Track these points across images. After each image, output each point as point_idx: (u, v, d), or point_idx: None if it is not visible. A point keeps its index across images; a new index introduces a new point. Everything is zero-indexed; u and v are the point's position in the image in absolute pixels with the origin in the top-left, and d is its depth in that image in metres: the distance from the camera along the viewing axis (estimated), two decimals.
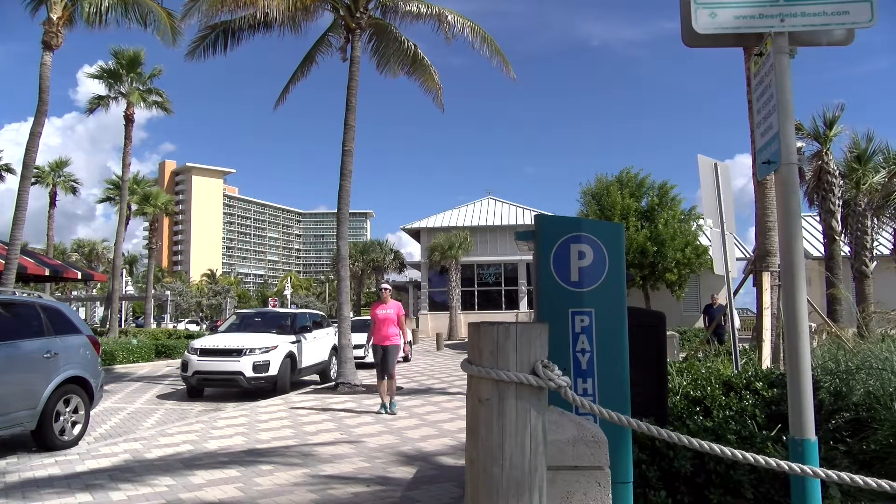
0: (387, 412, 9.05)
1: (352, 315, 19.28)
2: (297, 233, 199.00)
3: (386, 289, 9.87)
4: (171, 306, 55.75)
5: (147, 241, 50.17)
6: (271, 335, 12.47)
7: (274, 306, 44.13)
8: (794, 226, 2.70)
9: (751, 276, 8.66)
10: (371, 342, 9.59)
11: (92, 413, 7.96)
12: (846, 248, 19.60)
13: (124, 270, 48.74)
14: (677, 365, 6.32)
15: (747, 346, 9.14)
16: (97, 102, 27.99)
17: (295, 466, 5.94)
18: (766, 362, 7.57)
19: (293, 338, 12.71)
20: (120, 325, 33.55)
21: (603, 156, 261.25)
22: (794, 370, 2.62)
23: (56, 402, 7.00)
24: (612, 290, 2.97)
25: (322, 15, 13.65)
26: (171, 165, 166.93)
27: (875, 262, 18.61)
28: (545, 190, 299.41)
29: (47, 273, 15.33)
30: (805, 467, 2.04)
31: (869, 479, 1.75)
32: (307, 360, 13.06)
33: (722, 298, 15.08)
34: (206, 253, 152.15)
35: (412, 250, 65.21)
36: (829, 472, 1.83)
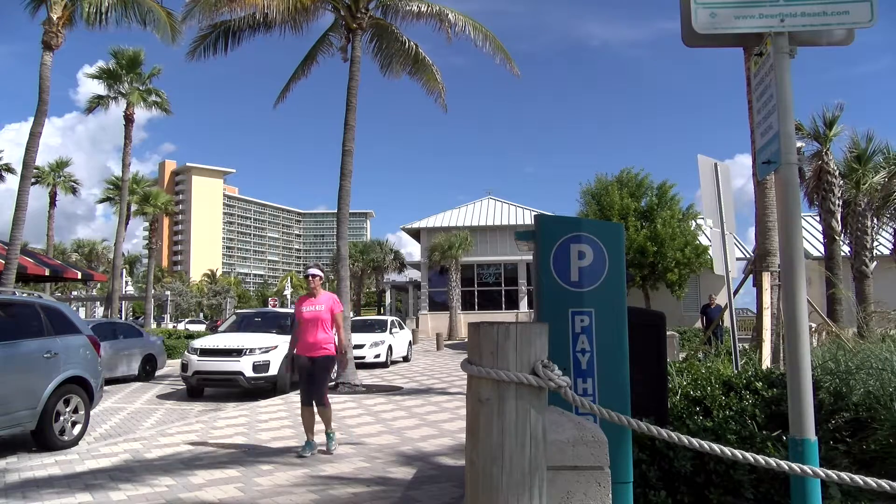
0: (310, 452, 6.32)
1: (352, 315, 19.28)
2: (297, 233, 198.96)
3: (315, 275, 6.64)
4: (171, 306, 55.71)
5: (147, 241, 50.19)
6: (271, 335, 12.47)
7: (274, 306, 44.13)
8: (794, 226, 2.70)
9: (751, 276, 8.66)
10: (294, 351, 6.56)
11: (92, 413, 7.96)
12: (846, 248, 19.60)
13: (124, 270, 48.72)
14: (677, 365, 6.31)
15: (747, 346, 9.13)
16: (97, 102, 28.04)
17: (295, 466, 5.93)
18: (766, 362, 7.57)
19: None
20: None
21: (603, 156, 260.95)
22: (794, 370, 2.62)
23: (56, 402, 7.00)
24: (612, 290, 2.97)
25: (323, 15, 13.67)
26: (171, 165, 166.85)
27: (875, 262, 18.61)
28: (545, 190, 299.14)
29: (47, 273, 15.33)
30: (805, 467, 2.04)
31: (869, 479, 1.76)
32: None
33: (722, 298, 15.09)
34: (206, 253, 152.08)
35: (412, 250, 65.11)
36: (829, 472, 1.83)
